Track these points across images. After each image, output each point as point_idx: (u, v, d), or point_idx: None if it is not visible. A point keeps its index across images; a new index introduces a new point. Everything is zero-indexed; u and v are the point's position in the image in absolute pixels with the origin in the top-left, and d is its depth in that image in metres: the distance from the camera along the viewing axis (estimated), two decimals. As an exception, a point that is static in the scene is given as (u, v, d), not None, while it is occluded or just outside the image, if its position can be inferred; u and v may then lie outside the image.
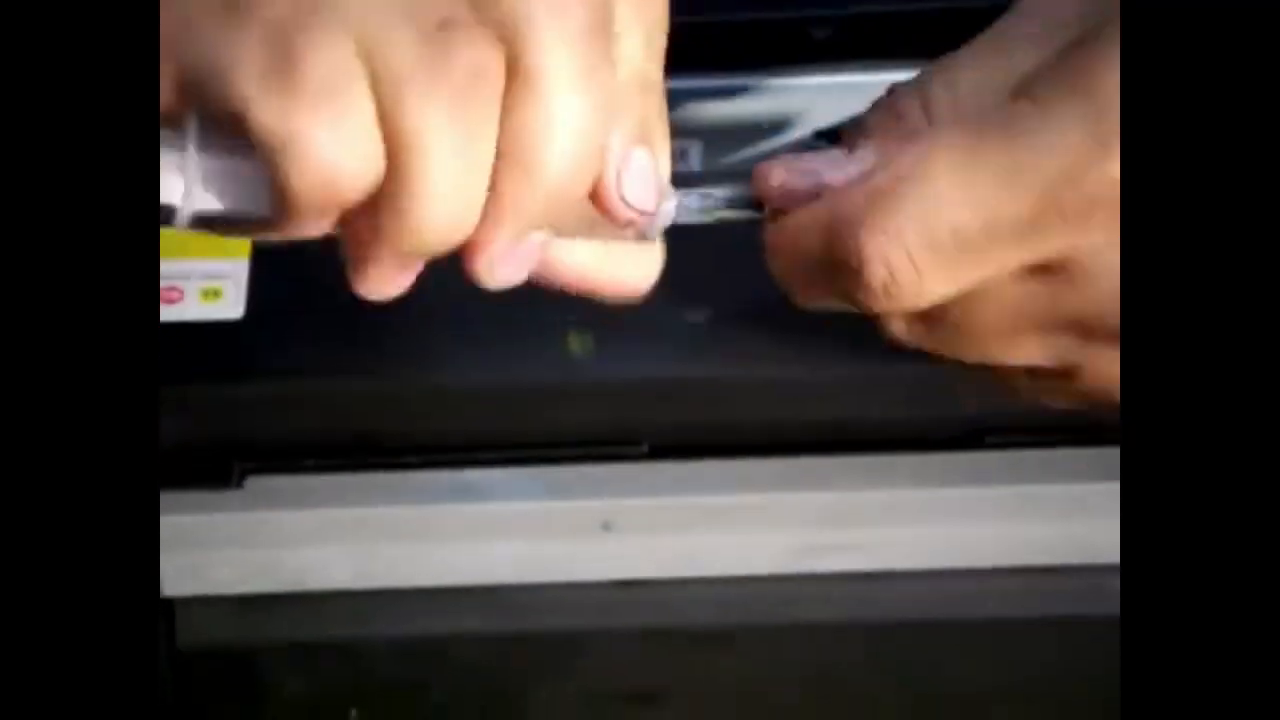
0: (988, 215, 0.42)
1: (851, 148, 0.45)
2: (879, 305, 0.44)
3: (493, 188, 0.41)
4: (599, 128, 0.42)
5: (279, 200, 0.41)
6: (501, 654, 0.68)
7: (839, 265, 0.44)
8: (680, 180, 0.46)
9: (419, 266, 0.44)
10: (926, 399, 0.63)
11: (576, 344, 0.62)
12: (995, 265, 0.43)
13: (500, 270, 0.43)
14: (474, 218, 0.41)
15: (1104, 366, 0.44)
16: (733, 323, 0.62)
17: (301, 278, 0.64)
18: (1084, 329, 0.44)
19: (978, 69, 0.45)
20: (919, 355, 0.63)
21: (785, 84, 0.71)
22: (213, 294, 0.63)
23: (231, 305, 0.63)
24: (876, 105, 0.47)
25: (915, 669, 0.69)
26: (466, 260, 0.43)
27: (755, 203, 0.46)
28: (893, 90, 0.46)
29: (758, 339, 0.62)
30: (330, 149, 0.40)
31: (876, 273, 0.43)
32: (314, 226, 0.42)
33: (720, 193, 0.46)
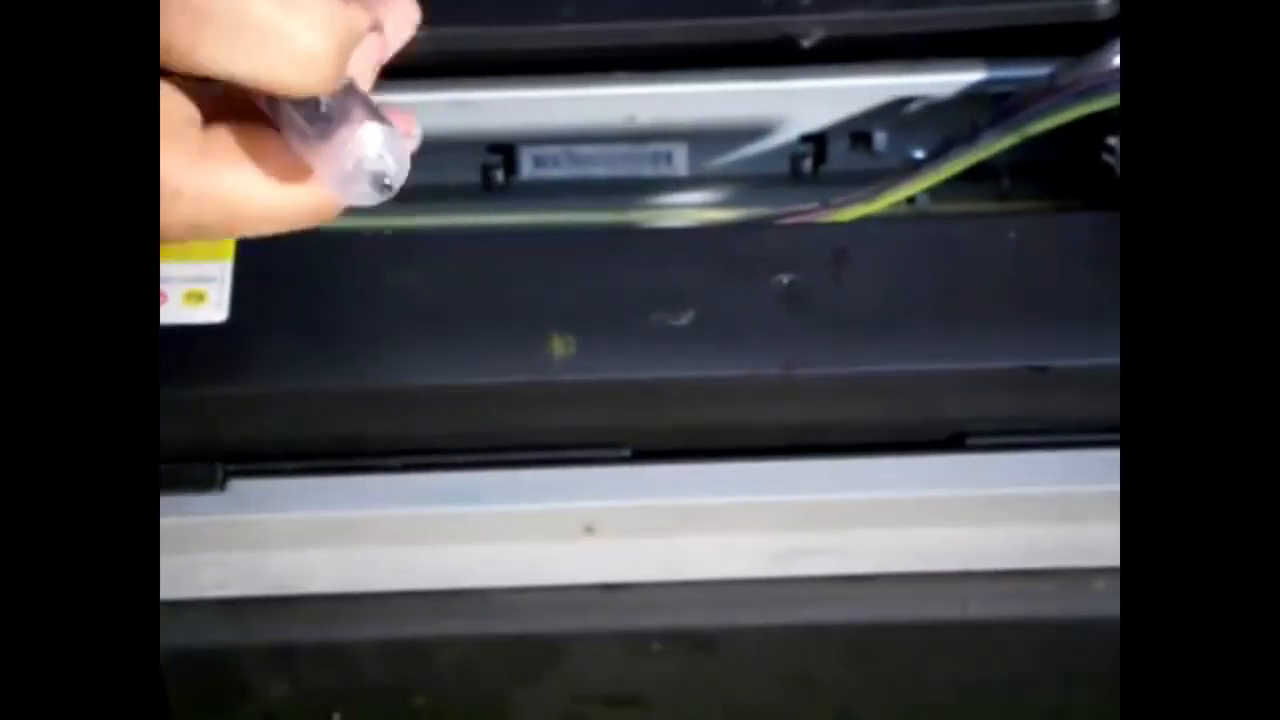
0: None
1: None
2: None
3: None
4: None
5: None
6: (485, 657, 0.68)
7: None
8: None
9: None
10: (907, 402, 0.63)
11: (558, 346, 0.62)
12: None
13: None
14: None
15: None
16: (714, 325, 0.62)
17: (285, 280, 0.64)
18: None
19: None
20: (900, 357, 0.63)
21: (770, 88, 0.71)
22: (196, 297, 0.63)
23: (215, 308, 0.63)
24: None
25: (896, 672, 0.69)
26: None
27: None
28: None
29: (739, 342, 0.62)
30: None
31: None
32: None
33: None
